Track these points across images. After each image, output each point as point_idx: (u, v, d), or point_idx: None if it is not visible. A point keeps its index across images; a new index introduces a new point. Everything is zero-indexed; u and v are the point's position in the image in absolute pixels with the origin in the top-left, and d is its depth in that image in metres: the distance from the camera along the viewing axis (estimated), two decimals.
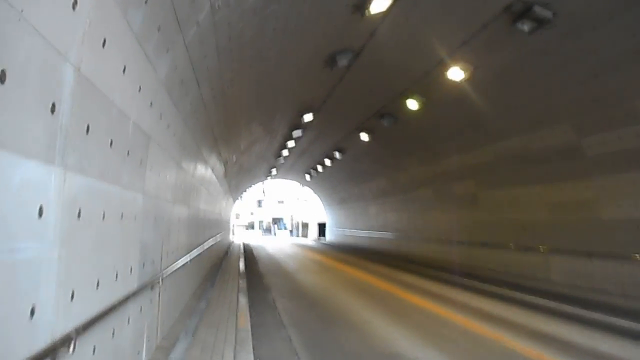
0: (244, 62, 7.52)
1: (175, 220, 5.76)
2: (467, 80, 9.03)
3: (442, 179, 14.61)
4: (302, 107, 12.52)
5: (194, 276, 8.16)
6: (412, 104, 11.54)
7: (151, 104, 3.71)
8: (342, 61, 8.85)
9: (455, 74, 8.99)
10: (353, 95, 11.92)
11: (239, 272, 11.53)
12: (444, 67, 8.94)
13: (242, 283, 9.70)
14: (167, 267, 5.11)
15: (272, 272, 12.60)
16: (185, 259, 6.48)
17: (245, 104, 10.27)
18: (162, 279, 4.62)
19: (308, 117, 13.17)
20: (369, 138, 15.61)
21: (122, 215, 3.09)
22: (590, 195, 8.63)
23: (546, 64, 7.65)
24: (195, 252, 7.65)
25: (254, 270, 12.73)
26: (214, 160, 10.17)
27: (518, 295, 8.86)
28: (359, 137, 16.12)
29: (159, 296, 4.70)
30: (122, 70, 2.80)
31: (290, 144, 17.68)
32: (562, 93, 7.97)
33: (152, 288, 4.21)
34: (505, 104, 9.35)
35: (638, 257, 7.64)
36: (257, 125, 13.30)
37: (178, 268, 5.80)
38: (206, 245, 9.69)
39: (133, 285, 3.49)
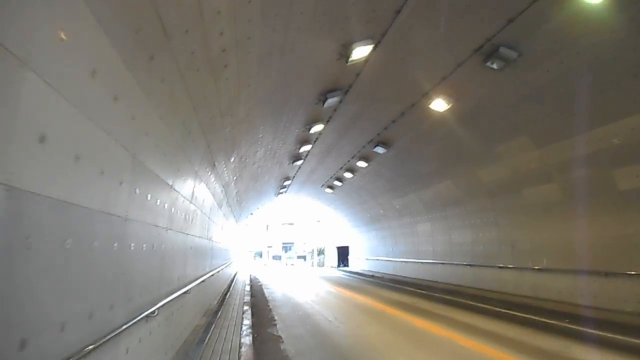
0: None
1: None
2: None
3: (590, 164, 8.43)
4: (348, 35, 6.55)
5: None
6: None
7: None
8: None
9: None
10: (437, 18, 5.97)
11: None
12: None
13: None
14: None
15: (311, 355, 6.19)
16: None
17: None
18: None
19: (360, 53, 7.15)
20: (448, 105, 9.55)
21: None
22: None
23: None
24: None
25: (274, 353, 6.30)
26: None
27: None
28: (425, 110, 10.08)
29: None
30: None
31: (316, 128, 11.66)
32: None
33: None
34: None
35: None
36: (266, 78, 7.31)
37: None
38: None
39: None
